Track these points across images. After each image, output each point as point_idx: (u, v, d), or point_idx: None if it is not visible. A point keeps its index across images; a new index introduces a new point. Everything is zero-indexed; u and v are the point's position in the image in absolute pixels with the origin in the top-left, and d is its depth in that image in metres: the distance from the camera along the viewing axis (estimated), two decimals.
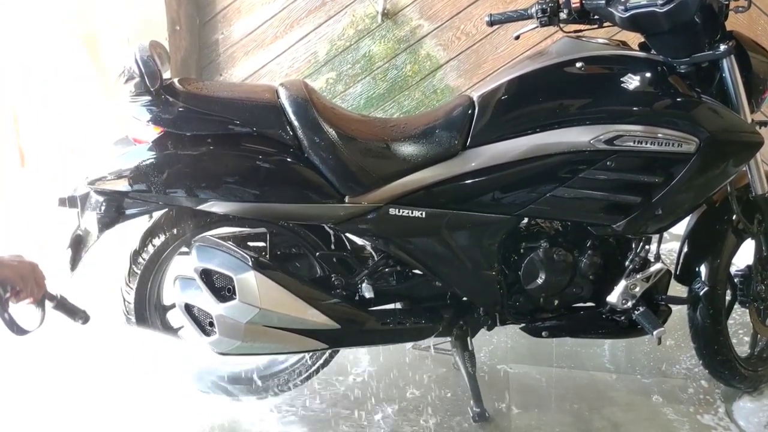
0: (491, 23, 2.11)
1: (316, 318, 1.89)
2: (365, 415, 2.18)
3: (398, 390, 2.29)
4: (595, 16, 1.97)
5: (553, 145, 1.86)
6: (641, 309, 2.02)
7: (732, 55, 1.85)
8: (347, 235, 2.06)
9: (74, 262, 1.97)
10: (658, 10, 1.76)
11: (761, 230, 2.11)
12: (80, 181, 1.95)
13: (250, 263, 1.84)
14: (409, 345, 2.37)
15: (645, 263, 2.03)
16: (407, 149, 1.90)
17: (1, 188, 3.85)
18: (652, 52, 1.92)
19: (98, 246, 1.96)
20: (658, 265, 2.02)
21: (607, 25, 1.98)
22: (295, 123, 1.86)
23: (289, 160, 1.87)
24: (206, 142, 1.87)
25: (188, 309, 1.92)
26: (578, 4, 1.95)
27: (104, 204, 1.90)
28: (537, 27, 2.05)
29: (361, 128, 1.93)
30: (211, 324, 1.87)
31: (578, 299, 2.09)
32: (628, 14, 1.81)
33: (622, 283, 2.00)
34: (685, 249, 2.13)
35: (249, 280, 1.83)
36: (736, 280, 2.17)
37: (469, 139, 1.89)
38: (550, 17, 1.99)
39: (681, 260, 2.14)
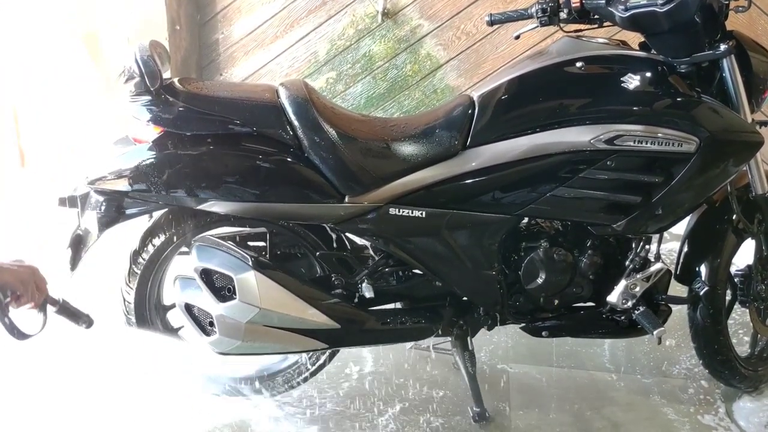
0: (491, 23, 2.11)
1: (316, 318, 1.89)
2: (364, 416, 2.18)
3: (398, 390, 2.29)
4: (595, 16, 1.97)
5: (553, 145, 1.86)
6: (641, 309, 2.02)
7: (732, 55, 1.85)
8: (347, 234, 2.06)
9: (74, 261, 1.97)
10: (658, 9, 1.76)
11: (761, 230, 2.10)
12: (80, 181, 1.95)
13: (250, 263, 1.84)
14: (409, 345, 2.37)
15: (645, 263, 2.03)
16: (407, 149, 1.90)
17: (1, 188, 3.85)
18: (653, 51, 1.92)
19: (98, 246, 1.96)
20: (658, 265, 2.02)
21: (608, 25, 1.98)
22: (296, 123, 1.86)
23: (289, 159, 1.87)
24: (206, 141, 1.87)
25: (188, 309, 1.92)
26: (578, 4, 1.95)
27: (104, 204, 1.90)
28: (537, 27, 2.05)
29: (361, 128, 1.93)
30: (211, 324, 1.87)
31: (578, 299, 2.09)
32: (628, 14, 1.81)
33: (623, 283, 2.00)
34: (686, 249, 2.13)
35: (249, 279, 1.83)
36: (736, 280, 2.17)
37: (469, 139, 1.89)
38: (550, 17, 1.99)
39: (681, 260, 2.14)
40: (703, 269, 2.09)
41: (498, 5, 3.53)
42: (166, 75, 1.86)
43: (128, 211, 1.92)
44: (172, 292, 1.99)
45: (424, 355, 2.43)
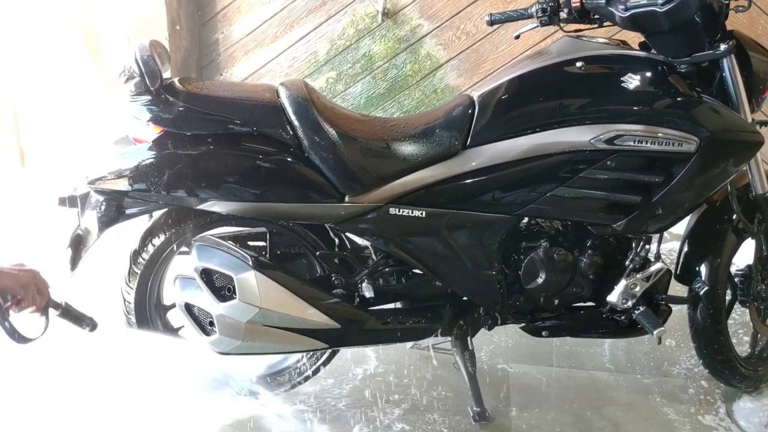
0: (491, 23, 2.11)
1: (316, 317, 1.89)
2: (364, 416, 2.18)
3: (398, 390, 2.29)
4: (596, 16, 1.97)
5: (553, 145, 1.86)
6: (641, 308, 2.02)
7: (732, 55, 1.85)
8: (347, 234, 2.06)
9: (74, 261, 1.97)
10: (658, 9, 1.76)
11: (761, 230, 2.10)
12: (80, 181, 1.95)
13: (251, 263, 1.84)
14: (409, 345, 2.37)
15: (645, 263, 2.03)
16: (407, 149, 1.90)
17: (1, 188, 3.85)
18: (653, 51, 1.92)
19: (98, 246, 1.96)
20: (658, 265, 2.02)
21: (608, 25, 1.98)
22: (296, 122, 1.86)
23: (289, 159, 1.87)
24: (206, 141, 1.87)
25: (188, 308, 1.92)
26: (578, 4, 1.95)
27: (104, 203, 1.90)
28: (537, 26, 2.05)
29: (361, 128, 1.93)
30: (212, 323, 1.87)
31: (578, 299, 2.09)
32: (628, 14, 1.81)
33: (623, 283, 2.00)
34: (686, 248, 2.13)
35: (249, 279, 1.83)
36: (736, 280, 2.17)
37: (469, 139, 1.89)
38: (550, 17, 1.99)
39: (681, 260, 2.13)
40: (703, 269, 2.09)
41: (498, 5, 3.53)
42: (166, 75, 1.86)
43: (128, 211, 1.92)
44: (172, 292, 1.99)
45: (424, 355, 2.43)
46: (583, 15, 1.98)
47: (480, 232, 1.96)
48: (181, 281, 1.94)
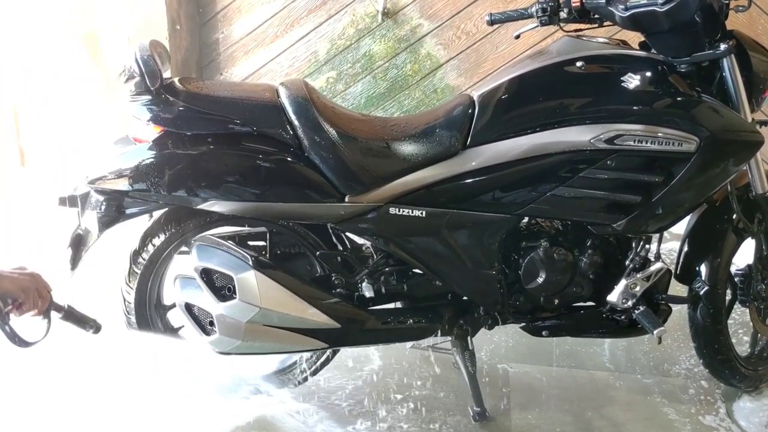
0: (491, 22, 2.11)
1: (316, 317, 1.89)
2: (364, 416, 2.18)
3: (398, 390, 2.29)
4: (596, 16, 1.97)
5: (553, 145, 1.86)
6: (641, 308, 2.02)
7: (732, 55, 1.85)
8: (347, 234, 2.06)
9: (74, 261, 1.97)
10: (658, 9, 1.76)
11: (761, 229, 2.10)
12: (80, 181, 1.95)
13: (251, 262, 1.84)
14: (409, 344, 2.37)
15: (645, 262, 2.03)
16: (408, 148, 1.90)
17: (1, 188, 3.85)
18: (653, 51, 1.92)
19: (98, 246, 1.96)
20: (658, 265, 2.02)
21: (608, 25, 1.98)
22: (296, 122, 1.86)
23: (289, 159, 1.87)
24: (206, 141, 1.87)
25: (188, 308, 1.92)
26: (578, 4, 1.95)
27: (104, 203, 1.90)
28: (537, 26, 2.05)
29: (361, 127, 1.93)
30: (212, 323, 1.87)
31: (578, 298, 2.09)
32: (628, 13, 1.81)
33: (623, 283, 2.00)
34: (686, 248, 2.13)
35: (249, 279, 1.83)
36: (736, 280, 2.17)
37: (469, 139, 1.89)
38: (550, 16, 1.99)
39: (681, 259, 2.13)
40: (703, 269, 2.09)
41: (498, 5, 3.53)
42: (167, 74, 1.86)
43: (128, 211, 1.92)
44: (172, 292, 1.99)
45: (424, 355, 2.43)
46: (583, 15, 1.98)
47: (480, 231, 1.96)
48: (181, 281, 1.94)
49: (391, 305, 2.11)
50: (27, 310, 1.43)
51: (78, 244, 1.98)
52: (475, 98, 1.92)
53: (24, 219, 3.52)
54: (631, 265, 2.01)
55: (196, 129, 1.87)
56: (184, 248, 2.06)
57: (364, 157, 1.88)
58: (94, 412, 2.20)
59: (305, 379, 2.21)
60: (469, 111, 1.90)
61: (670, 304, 2.11)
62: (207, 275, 1.87)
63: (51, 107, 3.84)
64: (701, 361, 2.22)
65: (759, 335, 2.34)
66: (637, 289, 2.01)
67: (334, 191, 1.87)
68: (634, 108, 1.86)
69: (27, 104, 3.88)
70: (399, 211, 1.90)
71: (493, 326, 2.12)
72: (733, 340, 2.22)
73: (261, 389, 2.21)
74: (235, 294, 1.83)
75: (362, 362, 2.43)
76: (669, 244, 2.91)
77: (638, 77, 1.86)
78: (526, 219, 2.03)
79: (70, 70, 3.75)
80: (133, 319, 2.10)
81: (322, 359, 2.20)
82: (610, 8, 1.86)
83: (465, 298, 2.08)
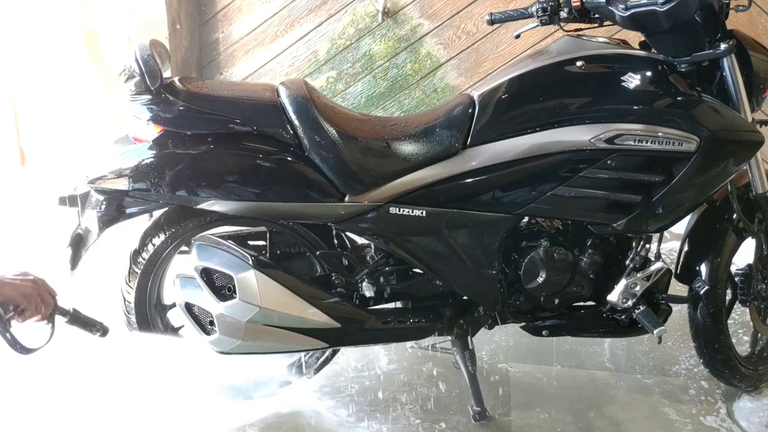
0: (492, 22, 2.11)
1: (316, 317, 1.89)
2: (364, 415, 2.18)
3: (398, 389, 2.29)
4: (596, 15, 1.97)
5: (553, 144, 1.86)
6: (642, 308, 2.02)
7: (732, 54, 1.85)
8: (348, 234, 2.06)
9: (74, 261, 1.97)
10: (658, 9, 1.75)
11: (762, 229, 2.11)
12: (80, 180, 1.95)
13: (251, 262, 1.84)
14: (409, 344, 2.37)
15: (645, 262, 2.03)
16: (408, 148, 1.90)
17: (1, 188, 3.85)
18: (653, 50, 1.92)
19: (98, 246, 1.96)
20: (658, 264, 2.02)
21: (608, 24, 1.98)
22: (296, 122, 1.86)
23: (289, 159, 1.87)
24: (206, 141, 1.87)
25: (188, 308, 1.92)
26: (578, 3, 1.95)
27: (104, 203, 1.90)
28: (537, 26, 2.05)
29: (361, 127, 1.93)
30: (212, 323, 1.87)
31: (579, 298, 2.09)
32: (628, 13, 1.81)
33: (623, 282, 2.00)
34: (686, 248, 2.13)
35: (249, 278, 1.83)
36: (736, 279, 2.17)
37: (469, 138, 1.89)
38: (550, 16, 1.99)
39: (681, 259, 2.13)
40: (703, 268, 2.09)
41: (498, 4, 3.53)
42: (167, 74, 1.86)
43: (128, 210, 1.92)
44: (172, 292, 1.99)
45: (425, 355, 2.43)
46: (583, 14, 1.97)
47: (480, 231, 1.96)
48: (181, 281, 1.94)
49: (391, 305, 2.11)
50: (29, 317, 1.41)
51: (78, 243, 1.98)
52: (476, 98, 1.92)
53: (24, 219, 3.52)
54: (631, 265, 2.01)
55: (196, 128, 1.87)
56: (184, 248, 2.06)
57: (364, 157, 1.88)
58: (95, 412, 2.20)
59: (306, 379, 2.21)
60: (470, 111, 1.90)
61: (671, 304, 2.11)
62: (207, 275, 1.87)
63: (51, 107, 3.84)
64: (701, 360, 2.22)
65: (759, 335, 2.34)
66: (638, 288, 2.00)
67: (335, 191, 1.87)
68: (635, 107, 1.86)
69: (27, 104, 3.88)
70: (399, 210, 1.90)
71: (493, 326, 2.12)
72: (734, 340, 2.22)
73: (260, 389, 2.21)
74: (235, 294, 1.83)
75: (362, 362, 2.43)
76: (669, 244, 2.92)
77: (638, 77, 1.86)
78: (526, 218, 2.03)
79: (70, 70, 3.75)
80: (133, 318, 2.10)
81: (322, 359, 2.20)
82: (610, 8, 1.86)
83: (465, 297, 2.08)
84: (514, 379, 2.37)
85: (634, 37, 2.00)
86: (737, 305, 2.21)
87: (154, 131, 1.88)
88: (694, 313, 2.13)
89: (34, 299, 1.40)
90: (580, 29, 2.06)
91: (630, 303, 2.01)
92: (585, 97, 1.88)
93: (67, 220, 2.04)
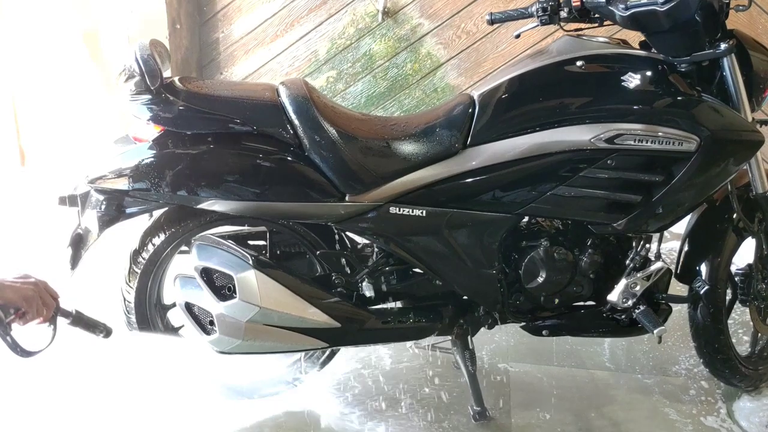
0: (492, 22, 2.11)
1: (316, 317, 1.89)
2: (364, 415, 2.18)
3: (398, 389, 2.29)
4: (596, 15, 1.97)
5: (553, 144, 1.85)
6: (642, 308, 2.02)
7: (732, 54, 1.85)
8: (348, 233, 2.06)
9: (74, 260, 1.97)
10: (658, 8, 1.75)
11: (762, 229, 2.10)
12: (80, 180, 1.95)
13: (251, 262, 1.84)
14: (409, 344, 2.37)
15: (645, 262, 2.03)
16: (408, 148, 1.90)
17: (1, 188, 3.85)
18: (653, 50, 1.92)
19: (98, 245, 1.97)
20: (658, 264, 2.02)
21: (608, 24, 1.97)
22: (296, 122, 1.86)
23: (289, 158, 1.87)
24: (206, 140, 1.87)
25: (188, 308, 1.92)
26: (579, 3, 1.94)
27: (104, 202, 1.90)
28: (537, 26, 2.04)
29: (361, 127, 1.93)
30: (212, 323, 1.87)
31: (579, 298, 2.09)
32: (628, 13, 1.81)
33: (623, 282, 2.00)
34: (686, 248, 2.13)
35: (249, 278, 1.83)
36: (736, 279, 2.17)
37: (469, 138, 1.89)
38: (550, 16, 1.99)
39: (681, 259, 2.13)
40: (703, 268, 2.09)
41: (498, 4, 3.53)
42: (167, 74, 1.86)
43: (128, 210, 1.92)
44: (172, 292, 1.99)
45: (425, 354, 2.43)
46: (583, 14, 1.97)
47: (480, 231, 1.96)
48: (181, 280, 1.94)
49: (391, 305, 2.11)
50: (31, 320, 1.41)
51: (78, 243, 1.98)
52: (476, 98, 1.92)
53: (24, 219, 3.52)
54: (631, 265, 2.01)
55: (197, 128, 1.87)
56: (184, 248, 2.06)
57: (364, 157, 1.88)
58: (96, 413, 2.20)
59: (306, 379, 2.21)
60: (470, 110, 1.90)
61: (671, 304, 2.11)
62: (207, 275, 1.87)
63: (51, 107, 3.84)
64: (701, 360, 2.22)
65: (759, 335, 2.33)
66: (638, 288, 2.00)
67: (335, 191, 1.87)
68: (635, 107, 1.86)
69: (27, 104, 3.88)
70: (399, 210, 1.90)
71: (494, 326, 2.12)
72: (734, 340, 2.22)
73: (260, 390, 2.21)
74: (235, 293, 1.83)
75: (362, 362, 2.43)
76: (669, 244, 2.92)
77: (638, 77, 1.86)
78: (526, 218, 2.03)
79: (70, 69, 3.75)
80: (133, 318, 2.10)
81: (322, 359, 2.20)
82: (610, 8, 1.86)
83: (465, 297, 2.08)
84: (514, 379, 2.37)
85: (634, 37, 2.00)
86: (737, 305, 2.21)
87: (154, 131, 1.88)
88: (694, 312, 2.13)
89: (36, 302, 1.40)
90: (580, 29, 2.06)
91: (630, 303, 2.01)
92: (585, 97, 1.88)
93: (67, 220, 2.04)
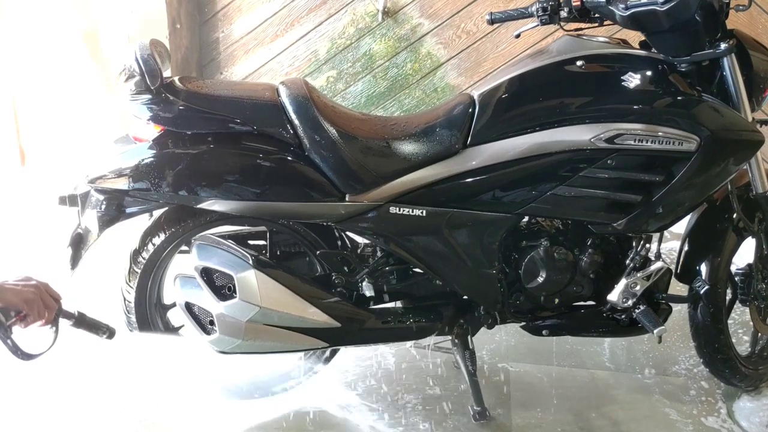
0: (492, 21, 2.11)
1: (316, 316, 1.89)
2: (364, 415, 2.18)
3: (398, 389, 2.29)
4: (596, 15, 1.97)
5: (553, 144, 1.85)
6: (642, 307, 2.02)
7: (733, 54, 1.85)
8: (348, 233, 2.06)
9: (74, 260, 1.97)
10: (658, 8, 1.75)
11: (762, 229, 2.10)
12: (80, 180, 1.95)
13: (251, 262, 1.84)
14: (409, 344, 2.37)
15: (645, 262, 2.03)
16: (408, 148, 1.90)
17: (1, 188, 3.85)
18: (653, 50, 1.92)
19: (98, 245, 1.97)
20: (658, 264, 2.02)
21: (608, 24, 1.98)
22: (296, 121, 1.86)
23: (289, 158, 1.87)
24: (207, 140, 1.87)
25: (189, 308, 1.92)
26: (579, 3, 1.95)
27: (104, 202, 1.90)
28: (538, 25, 2.05)
29: (361, 127, 1.93)
30: (212, 323, 1.87)
31: (579, 298, 2.09)
32: (628, 13, 1.81)
33: (623, 282, 2.00)
34: (686, 247, 2.13)
35: (249, 278, 1.83)
36: (736, 279, 2.17)
37: (469, 138, 1.89)
38: (550, 15, 1.99)
39: (681, 259, 2.13)
40: (703, 268, 2.09)
41: (498, 4, 3.53)
42: (167, 74, 1.86)
43: (128, 210, 1.92)
44: (172, 291, 1.99)
45: (425, 354, 2.43)
46: (583, 14, 1.98)
47: (480, 231, 1.96)
48: (181, 280, 1.94)
49: (391, 304, 2.11)
50: (32, 322, 1.40)
51: (78, 243, 1.98)
52: (476, 97, 1.92)
53: (24, 219, 3.52)
54: (631, 265, 2.01)
55: (197, 128, 1.87)
56: (184, 247, 2.06)
57: (364, 157, 1.88)
58: (97, 413, 2.20)
59: (305, 379, 2.21)
60: (470, 110, 1.90)
61: (671, 304, 2.11)
62: (207, 274, 1.87)
63: (51, 106, 3.84)
64: (701, 360, 2.22)
65: (759, 334, 2.33)
66: (638, 288, 2.00)
67: (335, 190, 1.87)
68: (635, 107, 1.86)
69: (27, 103, 3.88)
70: (399, 210, 1.90)
71: (494, 325, 2.12)
72: (734, 340, 2.22)
73: (260, 389, 2.21)
74: (236, 293, 1.83)
75: (362, 361, 2.43)
76: (669, 244, 2.92)
77: (638, 76, 1.86)
78: (526, 218, 2.03)
79: (70, 69, 3.75)
80: (133, 318, 2.10)
81: (323, 358, 2.20)
82: (610, 7, 1.86)
83: (465, 297, 2.08)
84: (514, 378, 2.37)
85: (635, 37, 2.00)
86: (737, 305, 2.21)
87: (154, 131, 1.88)
88: (694, 312, 2.13)
89: (37, 304, 1.39)
90: (581, 29, 2.07)
91: (630, 302, 2.01)
92: (585, 97, 1.88)
93: (67, 219, 2.04)
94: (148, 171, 1.86)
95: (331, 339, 1.95)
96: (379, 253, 2.05)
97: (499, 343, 2.56)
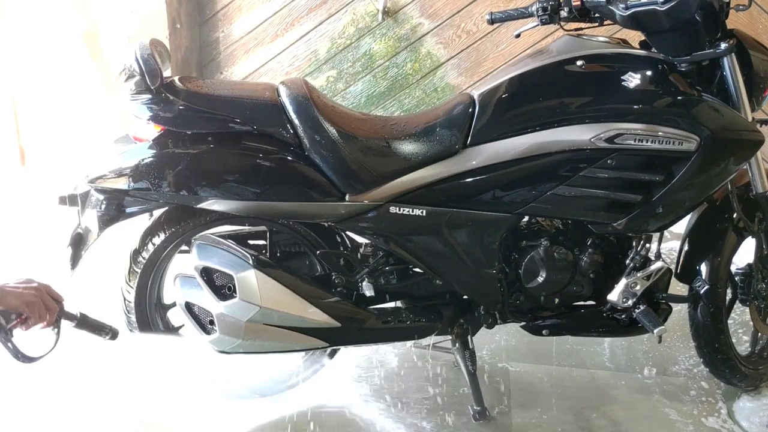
0: (492, 21, 2.11)
1: (316, 316, 1.89)
2: (364, 415, 2.18)
3: (399, 389, 2.29)
4: (596, 14, 1.97)
5: (553, 144, 1.85)
6: (642, 307, 2.02)
7: (733, 54, 1.85)
8: (348, 233, 2.06)
9: (74, 260, 1.97)
10: (658, 8, 1.75)
11: (762, 228, 2.10)
12: (80, 179, 1.95)
13: (251, 261, 1.84)
14: (409, 343, 2.37)
15: (645, 261, 2.03)
16: (408, 147, 1.90)
17: (1, 188, 3.85)
18: (653, 50, 1.92)
19: (98, 245, 1.96)
20: (658, 264, 2.02)
21: (608, 24, 1.98)
22: (296, 121, 1.86)
23: (289, 158, 1.87)
24: (207, 140, 1.87)
25: (189, 307, 1.92)
26: (579, 2, 1.95)
27: (104, 202, 1.90)
28: (538, 25, 2.05)
29: (361, 126, 1.93)
30: (212, 322, 1.87)
31: (579, 297, 2.09)
32: (628, 12, 1.81)
33: (623, 282, 2.00)
34: (686, 247, 2.13)
35: (249, 278, 1.83)
36: (736, 279, 2.17)
37: (469, 138, 1.89)
38: (550, 15, 1.99)
39: (682, 258, 2.13)
40: (703, 268, 2.09)
41: (498, 4, 3.53)
42: (167, 73, 1.86)
43: (128, 210, 1.92)
44: (172, 291, 1.99)
45: (425, 354, 2.43)
46: (583, 14, 1.98)
47: (480, 230, 1.95)
48: (181, 280, 1.94)
49: (391, 304, 2.11)
50: (33, 324, 1.40)
51: (78, 243, 1.98)
52: (476, 97, 1.92)
53: (24, 219, 3.52)
54: (631, 264, 2.01)
55: (197, 128, 1.87)
56: (184, 247, 2.06)
57: (364, 156, 1.87)
58: (98, 413, 2.20)
59: (304, 380, 2.21)
60: (470, 110, 1.90)
61: (671, 303, 2.11)
62: (207, 274, 1.87)
63: (51, 106, 3.84)
64: (702, 360, 2.22)
65: (759, 334, 2.33)
66: (638, 288, 2.00)
67: (335, 190, 1.87)
68: (635, 107, 1.86)
69: (27, 104, 3.88)
70: (399, 210, 1.90)
71: (494, 325, 2.12)
72: (734, 340, 2.22)
73: (260, 389, 2.21)
74: (236, 293, 1.83)
75: (362, 361, 2.43)
76: (669, 243, 2.92)
77: (638, 76, 1.86)
78: (526, 218, 2.03)
79: (70, 69, 3.75)
80: (133, 318, 2.10)
81: (323, 358, 2.20)
82: (610, 7, 1.86)
83: (465, 297, 2.08)
84: (514, 378, 2.37)
85: (635, 37, 2.00)
86: (737, 305, 2.21)
87: (155, 130, 1.88)
88: (694, 312, 2.13)
89: (38, 307, 1.39)
90: (581, 28, 2.07)
91: (630, 302, 2.01)
92: (585, 97, 1.88)
93: (67, 219, 2.04)
94: (148, 171, 1.86)
95: (331, 339, 1.95)
96: (379, 253, 2.05)
97: (499, 343, 2.56)
